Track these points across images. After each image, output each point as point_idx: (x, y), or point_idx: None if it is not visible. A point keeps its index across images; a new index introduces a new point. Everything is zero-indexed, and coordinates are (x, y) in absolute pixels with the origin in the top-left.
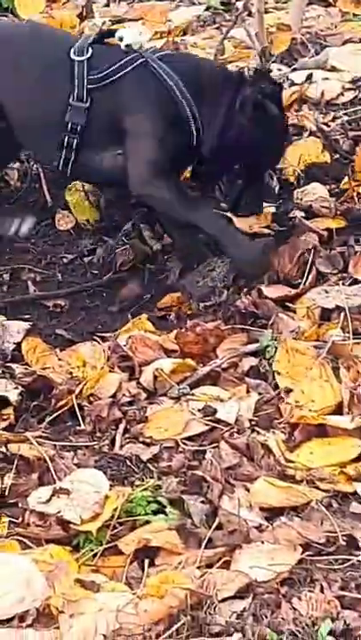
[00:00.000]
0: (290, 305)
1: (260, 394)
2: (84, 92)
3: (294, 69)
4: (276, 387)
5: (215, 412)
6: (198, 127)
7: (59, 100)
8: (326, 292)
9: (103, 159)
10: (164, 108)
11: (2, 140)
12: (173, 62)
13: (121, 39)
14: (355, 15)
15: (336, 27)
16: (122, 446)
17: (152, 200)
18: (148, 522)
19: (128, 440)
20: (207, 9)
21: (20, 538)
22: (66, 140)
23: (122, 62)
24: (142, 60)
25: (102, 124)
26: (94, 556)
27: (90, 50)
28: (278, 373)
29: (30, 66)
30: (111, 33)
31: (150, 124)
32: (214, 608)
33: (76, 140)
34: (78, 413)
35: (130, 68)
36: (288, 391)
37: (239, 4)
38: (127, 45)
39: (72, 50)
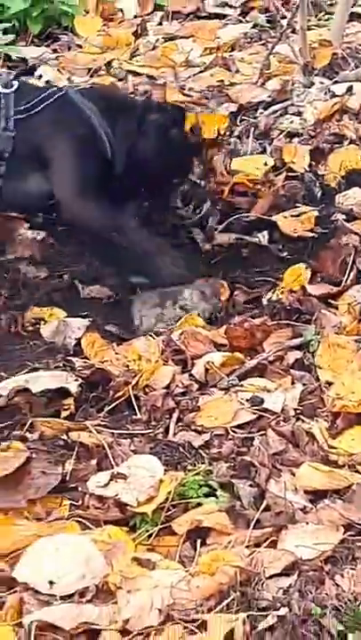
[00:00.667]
0: (332, 302)
1: (304, 385)
2: (9, 122)
3: (335, 82)
4: (318, 379)
5: (262, 401)
6: (112, 148)
7: None
8: None
9: (30, 186)
10: (83, 133)
11: None
12: (89, 93)
13: (40, 76)
14: None
15: None
16: (175, 434)
17: (82, 219)
18: (199, 504)
19: (181, 428)
20: (254, 26)
21: (81, 519)
22: None
23: (45, 94)
24: (62, 92)
25: (28, 151)
26: (150, 536)
27: (15, 83)
28: (320, 367)
29: None
30: (30, 71)
31: (72, 147)
32: (262, 584)
33: (3, 167)
34: (134, 403)
35: (52, 100)
36: (330, 383)
37: (284, 22)
38: (47, 82)
39: None
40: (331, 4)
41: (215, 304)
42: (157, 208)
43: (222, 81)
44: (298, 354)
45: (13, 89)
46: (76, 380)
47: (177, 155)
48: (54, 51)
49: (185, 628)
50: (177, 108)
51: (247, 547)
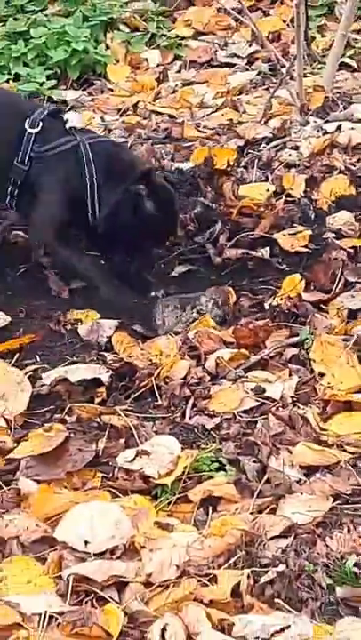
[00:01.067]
0: (323, 307)
1: (299, 377)
2: (26, 157)
3: (327, 121)
4: (312, 371)
5: (264, 390)
6: (95, 208)
7: (7, 158)
8: (353, 296)
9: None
10: (71, 187)
11: None
12: (98, 149)
13: (67, 121)
14: None
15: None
16: (190, 417)
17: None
18: (211, 477)
19: (195, 412)
20: (258, 74)
21: (111, 489)
22: (9, 189)
23: (59, 142)
24: (75, 143)
25: (32, 186)
26: (169, 503)
27: (41, 124)
28: (314, 361)
29: None
30: (61, 111)
31: (55, 196)
32: (263, 545)
33: (16, 191)
34: (156, 392)
35: (63, 148)
36: (322, 375)
37: (283, 70)
38: (71, 127)
39: (27, 121)
40: (323, 55)
41: (224, 308)
42: (139, 262)
43: (231, 120)
44: (294, 350)
45: (37, 130)
46: (108, 372)
47: (149, 226)
48: (90, 94)
49: (198, 581)
50: (166, 187)
51: (251, 513)
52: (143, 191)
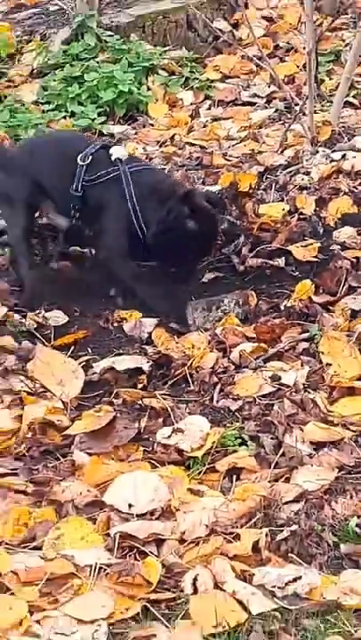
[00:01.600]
0: (330, 307)
1: (310, 367)
2: (79, 185)
3: (334, 151)
4: (320, 362)
5: (280, 378)
6: (141, 226)
7: (67, 187)
8: (355, 298)
9: (88, 231)
10: (120, 211)
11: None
12: (137, 176)
13: (111, 155)
14: None
15: None
16: (218, 401)
17: (112, 268)
18: (235, 451)
19: (222, 396)
20: (275, 111)
21: (151, 461)
22: (71, 212)
23: (104, 172)
24: (117, 173)
25: (89, 210)
26: (199, 473)
27: (90, 157)
28: (322, 353)
29: (59, 161)
30: (107, 146)
31: (111, 221)
32: (279, 508)
33: (77, 213)
34: (189, 379)
35: (107, 178)
36: (329, 365)
37: (297, 108)
38: (116, 159)
39: (79, 156)
40: (330, 95)
41: (246, 308)
42: (181, 273)
43: (253, 150)
44: (305, 344)
45: (87, 162)
46: (148, 362)
47: (192, 241)
48: (133, 128)
49: (224, 538)
50: (206, 207)
51: (269, 481)
52: (185, 211)
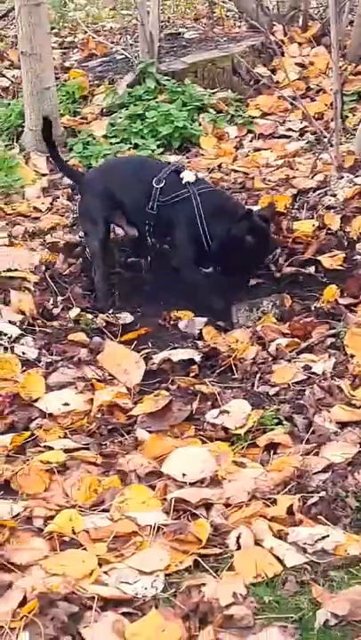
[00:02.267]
0: (353, 308)
1: (336, 358)
2: (155, 205)
3: (357, 176)
4: (345, 354)
5: (311, 368)
6: (207, 239)
7: (144, 206)
8: None
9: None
10: (190, 227)
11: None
12: (204, 197)
13: (182, 178)
14: None
15: None
16: (258, 387)
17: (182, 275)
18: (272, 429)
19: (261, 383)
20: (307, 142)
21: (201, 437)
22: (146, 227)
23: (176, 194)
24: (187, 194)
25: (161, 226)
26: (242, 448)
27: (164, 181)
28: (347, 346)
29: (135, 183)
30: (179, 171)
31: (182, 235)
32: (310, 478)
33: (151, 229)
34: (233, 368)
35: (179, 199)
36: (352, 356)
37: (325, 140)
38: (186, 182)
39: (154, 179)
40: (354, 129)
41: (282, 309)
42: (239, 279)
43: (288, 175)
44: (332, 339)
45: (161, 185)
46: (199, 354)
47: (249, 254)
48: (187, 157)
49: (263, 503)
50: (262, 225)
51: (301, 455)
52: (245, 228)
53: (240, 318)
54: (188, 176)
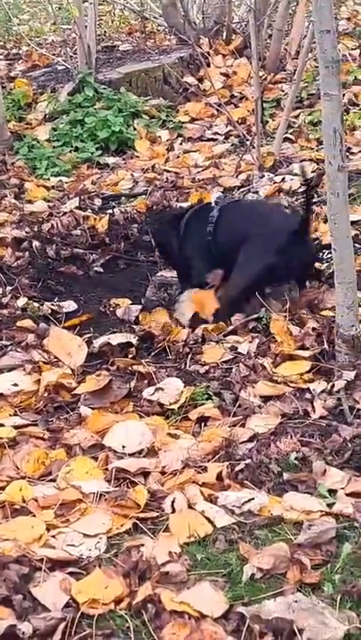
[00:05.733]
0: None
1: (259, 339)
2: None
3: (276, 175)
4: (267, 336)
5: (237, 348)
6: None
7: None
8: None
9: None
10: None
11: None
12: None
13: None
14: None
15: (297, 152)
16: (190, 366)
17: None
18: (203, 404)
19: (193, 363)
20: (231, 145)
21: (139, 413)
22: None
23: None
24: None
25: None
26: (176, 421)
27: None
28: (270, 330)
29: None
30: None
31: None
32: (237, 447)
33: None
34: (168, 350)
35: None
36: (273, 338)
37: (248, 142)
38: (216, 200)
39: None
40: (273, 133)
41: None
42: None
43: (215, 175)
44: (254, 323)
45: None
46: (136, 338)
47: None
48: (123, 159)
49: (195, 470)
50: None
51: (229, 427)
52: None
53: (147, 292)
54: (216, 194)
